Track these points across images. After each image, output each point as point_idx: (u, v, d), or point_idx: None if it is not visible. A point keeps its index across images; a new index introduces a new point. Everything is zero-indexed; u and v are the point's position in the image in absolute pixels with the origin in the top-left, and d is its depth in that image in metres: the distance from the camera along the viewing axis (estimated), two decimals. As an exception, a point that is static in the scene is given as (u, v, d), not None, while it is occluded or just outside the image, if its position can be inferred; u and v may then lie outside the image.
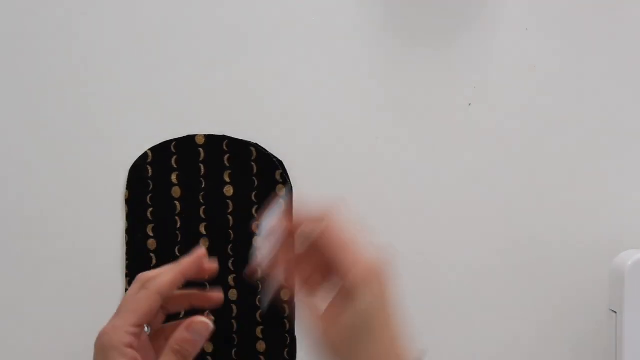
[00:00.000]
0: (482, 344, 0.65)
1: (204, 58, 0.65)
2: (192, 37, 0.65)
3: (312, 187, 0.65)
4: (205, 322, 0.52)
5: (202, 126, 0.65)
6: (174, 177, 0.64)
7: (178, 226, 0.64)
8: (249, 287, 0.63)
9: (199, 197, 0.64)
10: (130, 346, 0.50)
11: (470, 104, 0.65)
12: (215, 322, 0.64)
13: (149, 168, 0.64)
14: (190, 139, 0.64)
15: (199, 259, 0.51)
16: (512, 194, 0.65)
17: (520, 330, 0.65)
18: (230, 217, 0.64)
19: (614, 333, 0.60)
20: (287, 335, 0.63)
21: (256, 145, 0.64)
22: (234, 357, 0.63)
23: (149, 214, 0.64)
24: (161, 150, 0.64)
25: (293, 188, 0.64)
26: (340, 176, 0.65)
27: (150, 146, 0.64)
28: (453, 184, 0.65)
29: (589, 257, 0.65)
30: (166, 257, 0.64)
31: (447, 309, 0.65)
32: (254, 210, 0.64)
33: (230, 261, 0.64)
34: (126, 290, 0.64)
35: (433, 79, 0.65)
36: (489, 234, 0.65)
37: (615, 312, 0.60)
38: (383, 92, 0.65)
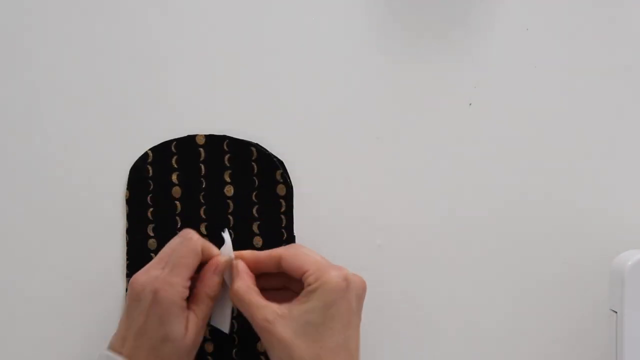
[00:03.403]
0: (480, 345, 0.65)
1: (204, 58, 0.65)
2: (192, 36, 0.65)
3: (312, 187, 0.65)
4: (225, 261, 0.57)
5: (202, 126, 0.65)
6: (174, 177, 0.64)
7: (178, 226, 0.64)
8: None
9: (200, 197, 0.64)
10: (185, 300, 0.55)
11: (470, 104, 0.65)
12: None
13: (150, 168, 0.64)
14: (191, 139, 0.64)
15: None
16: (512, 194, 0.65)
17: (520, 330, 0.65)
18: (231, 217, 0.64)
19: (614, 333, 0.60)
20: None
21: (257, 146, 0.64)
22: (234, 357, 0.63)
23: (149, 214, 0.64)
24: (161, 150, 0.64)
25: (293, 188, 0.64)
26: (340, 176, 0.65)
27: (151, 146, 0.64)
28: (453, 183, 0.65)
29: (589, 257, 0.65)
30: (166, 257, 0.64)
31: (444, 309, 0.65)
32: (254, 210, 0.64)
33: (231, 261, 0.64)
34: (127, 290, 0.63)
35: (433, 78, 0.65)
36: (488, 234, 0.65)
37: (616, 312, 0.60)
38: (383, 92, 0.65)
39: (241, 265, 0.57)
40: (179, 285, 0.54)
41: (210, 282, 0.56)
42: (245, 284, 0.56)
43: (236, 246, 0.64)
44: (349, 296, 0.54)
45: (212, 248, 0.58)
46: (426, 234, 0.65)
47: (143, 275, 0.55)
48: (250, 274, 0.57)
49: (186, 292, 0.55)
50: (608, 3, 0.65)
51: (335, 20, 0.65)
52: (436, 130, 0.65)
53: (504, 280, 0.65)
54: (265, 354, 0.63)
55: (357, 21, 0.65)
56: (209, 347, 0.63)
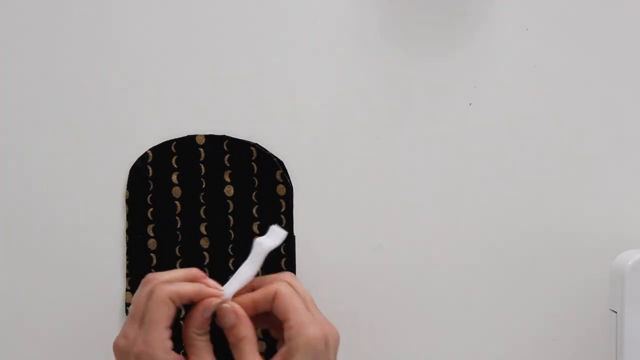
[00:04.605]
0: (480, 345, 0.65)
1: (204, 58, 0.65)
2: (192, 37, 0.65)
3: (312, 187, 0.65)
4: (217, 303, 0.55)
5: (202, 126, 0.65)
6: (174, 177, 0.64)
7: (178, 226, 0.64)
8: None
9: (200, 197, 0.64)
10: (171, 352, 0.54)
11: (470, 104, 0.65)
12: (215, 323, 0.64)
13: (150, 168, 0.64)
14: (191, 139, 0.64)
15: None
16: (512, 194, 0.65)
17: (520, 330, 0.65)
18: (231, 217, 0.64)
19: (614, 333, 0.60)
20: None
21: (257, 145, 0.64)
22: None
23: (149, 214, 0.64)
24: (161, 150, 0.64)
25: (293, 188, 0.64)
26: (340, 176, 0.65)
27: (151, 146, 0.64)
28: (453, 183, 0.65)
29: (589, 257, 0.65)
30: (166, 257, 0.64)
31: (444, 308, 0.65)
32: (254, 210, 0.64)
33: (231, 261, 0.64)
34: (127, 290, 0.64)
35: (433, 78, 0.65)
36: (488, 233, 0.65)
37: (616, 312, 0.60)
38: (383, 92, 0.65)
39: (240, 312, 0.56)
40: (157, 341, 0.53)
41: (196, 321, 0.55)
42: (251, 333, 0.55)
43: (236, 246, 0.64)
44: (329, 355, 0.55)
45: (182, 289, 0.55)
46: (426, 234, 0.65)
47: (122, 340, 0.54)
48: (250, 323, 0.56)
49: (168, 342, 0.54)
50: (608, 3, 0.65)
51: (336, 21, 0.65)
52: (436, 130, 0.65)
53: (504, 280, 0.65)
54: (264, 353, 0.63)
55: (357, 21, 0.65)
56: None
